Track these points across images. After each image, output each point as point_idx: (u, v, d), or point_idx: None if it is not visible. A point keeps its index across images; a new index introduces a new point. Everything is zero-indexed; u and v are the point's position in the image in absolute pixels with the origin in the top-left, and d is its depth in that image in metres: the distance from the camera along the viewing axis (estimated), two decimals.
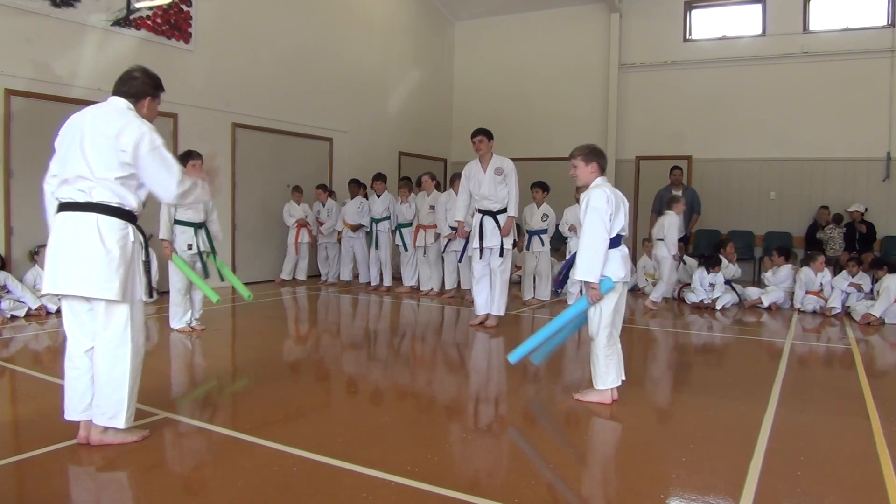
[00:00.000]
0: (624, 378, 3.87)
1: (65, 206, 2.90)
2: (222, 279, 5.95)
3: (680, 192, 9.31)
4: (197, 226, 5.75)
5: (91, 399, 2.98)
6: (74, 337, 2.99)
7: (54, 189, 2.98)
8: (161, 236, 5.62)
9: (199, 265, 5.76)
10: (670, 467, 2.95)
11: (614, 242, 3.70)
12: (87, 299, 2.92)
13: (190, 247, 5.69)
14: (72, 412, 3.00)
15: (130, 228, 2.95)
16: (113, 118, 2.92)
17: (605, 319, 3.72)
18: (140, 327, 3.02)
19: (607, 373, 3.77)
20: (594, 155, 3.82)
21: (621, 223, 3.72)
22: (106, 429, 2.98)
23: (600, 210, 3.62)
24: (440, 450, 3.13)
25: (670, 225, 7.86)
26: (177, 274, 5.75)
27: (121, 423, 2.95)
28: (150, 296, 7.14)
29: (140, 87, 3.05)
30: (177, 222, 5.69)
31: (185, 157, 5.74)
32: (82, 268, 2.82)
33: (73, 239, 2.85)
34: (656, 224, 8.18)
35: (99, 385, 2.93)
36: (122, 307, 2.92)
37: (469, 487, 2.66)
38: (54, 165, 3.01)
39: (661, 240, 7.97)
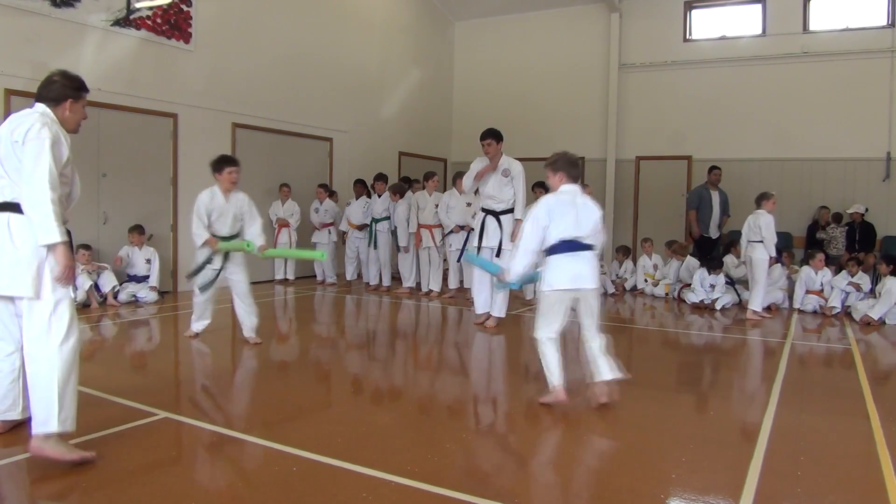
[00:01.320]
0: (562, 380, 3.77)
1: None
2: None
3: (717, 192, 9.41)
4: (223, 239, 5.28)
5: (11, 401, 3.06)
6: None
7: None
8: (199, 244, 5.18)
9: (205, 278, 5.30)
10: (670, 467, 2.95)
11: (559, 248, 3.74)
12: (12, 301, 2.91)
13: (210, 261, 5.26)
14: None
15: None
16: (17, 119, 2.91)
17: (540, 320, 3.82)
18: (68, 324, 2.82)
19: (549, 372, 3.80)
20: (561, 164, 3.91)
21: (567, 229, 3.73)
22: (47, 437, 2.77)
23: (535, 218, 3.80)
24: (440, 450, 3.13)
25: (768, 224, 7.16)
26: (202, 280, 5.33)
27: (53, 426, 2.74)
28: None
29: (60, 91, 3.05)
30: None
31: (221, 163, 5.26)
32: None
33: None
34: (745, 225, 7.52)
35: (30, 388, 2.80)
36: (42, 304, 2.79)
37: (469, 487, 2.66)
38: None
39: (755, 241, 7.27)
